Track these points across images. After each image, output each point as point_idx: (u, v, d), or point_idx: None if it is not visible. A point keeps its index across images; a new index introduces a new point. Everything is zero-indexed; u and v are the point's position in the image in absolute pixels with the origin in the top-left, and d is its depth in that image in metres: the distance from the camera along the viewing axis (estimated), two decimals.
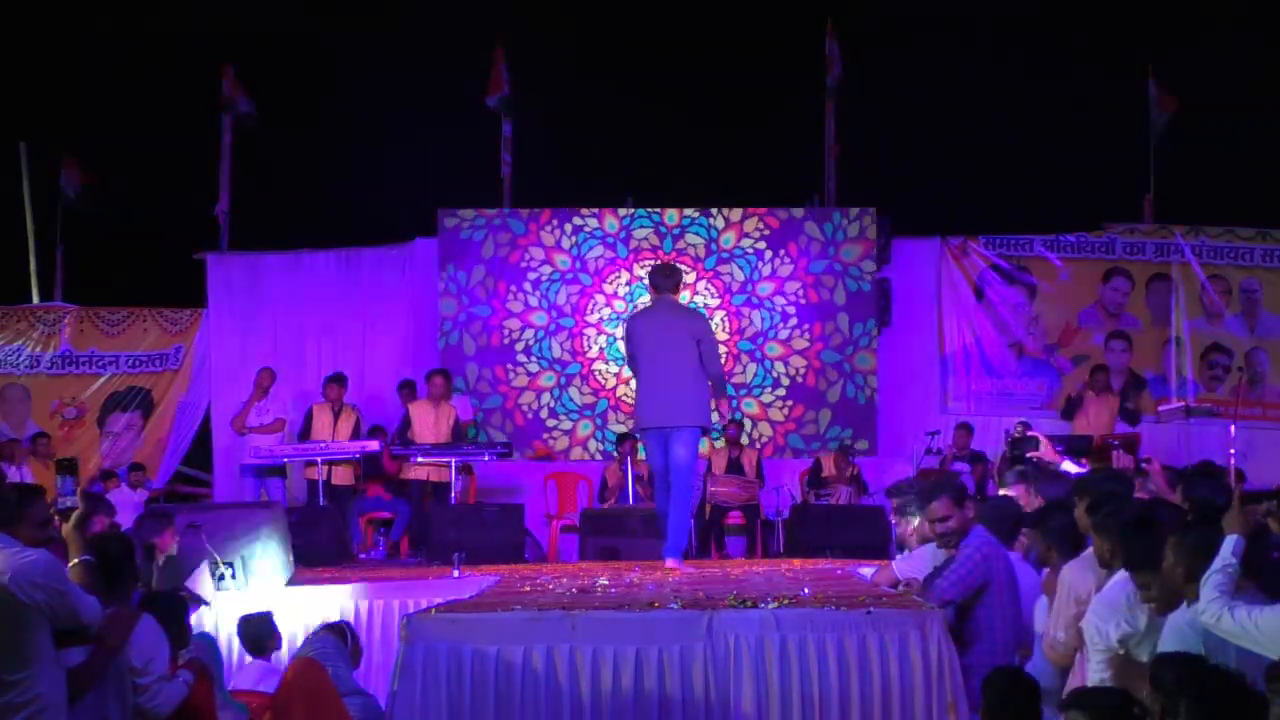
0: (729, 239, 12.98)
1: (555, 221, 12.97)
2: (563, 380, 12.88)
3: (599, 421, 12.83)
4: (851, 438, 12.61)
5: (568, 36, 14.57)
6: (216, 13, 14.16)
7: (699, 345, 7.54)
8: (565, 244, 12.97)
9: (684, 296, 12.20)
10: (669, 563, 7.44)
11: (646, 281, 8.37)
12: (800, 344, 12.86)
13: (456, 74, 13.84)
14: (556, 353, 12.88)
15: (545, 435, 12.80)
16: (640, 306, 11.96)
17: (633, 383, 12.42)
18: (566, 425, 12.84)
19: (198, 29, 14.17)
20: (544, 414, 12.84)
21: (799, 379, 12.84)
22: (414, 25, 14.72)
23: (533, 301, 12.91)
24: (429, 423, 10.80)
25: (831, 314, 12.82)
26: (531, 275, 12.92)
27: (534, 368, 12.87)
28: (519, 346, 12.86)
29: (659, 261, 12.04)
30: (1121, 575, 4.32)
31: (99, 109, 14.42)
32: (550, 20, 14.30)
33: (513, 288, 12.89)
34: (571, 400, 12.87)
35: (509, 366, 12.84)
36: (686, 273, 12.59)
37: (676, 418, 7.53)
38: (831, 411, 12.70)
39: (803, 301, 12.89)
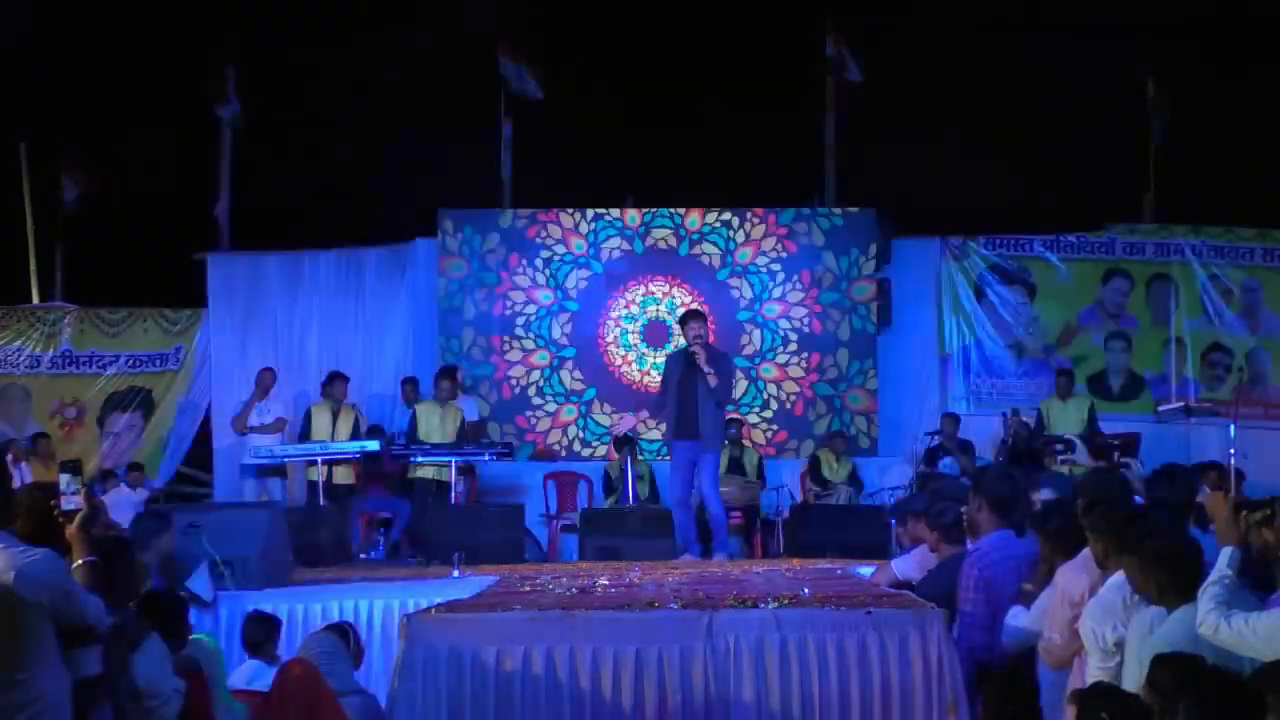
0: (745, 254, 12.95)
1: (577, 207, 13.03)
2: (555, 362, 12.87)
3: (583, 409, 12.83)
4: None
5: (567, 36, 14.56)
6: (216, 12, 14.16)
7: None
8: (583, 229, 12.98)
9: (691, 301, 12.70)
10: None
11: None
12: (796, 371, 12.84)
13: (457, 73, 13.84)
14: (555, 334, 12.89)
15: (528, 413, 12.79)
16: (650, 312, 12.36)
17: (620, 373, 12.77)
18: (551, 408, 12.84)
19: (197, 29, 14.16)
20: (531, 391, 12.83)
21: (788, 405, 12.81)
22: (414, 25, 14.71)
23: (541, 279, 12.91)
24: (435, 423, 10.81)
25: (833, 348, 12.78)
26: (545, 253, 12.92)
27: (530, 344, 12.87)
28: (519, 320, 12.87)
29: (669, 275, 12.93)
30: (1118, 577, 4.31)
31: (99, 109, 14.40)
32: (550, 20, 14.30)
33: (524, 261, 12.89)
34: (561, 384, 12.86)
35: (505, 338, 12.84)
36: (687, 295, 12.91)
37: None
38: (814, 442, 12.58)
39: (806, 330, 12.86)
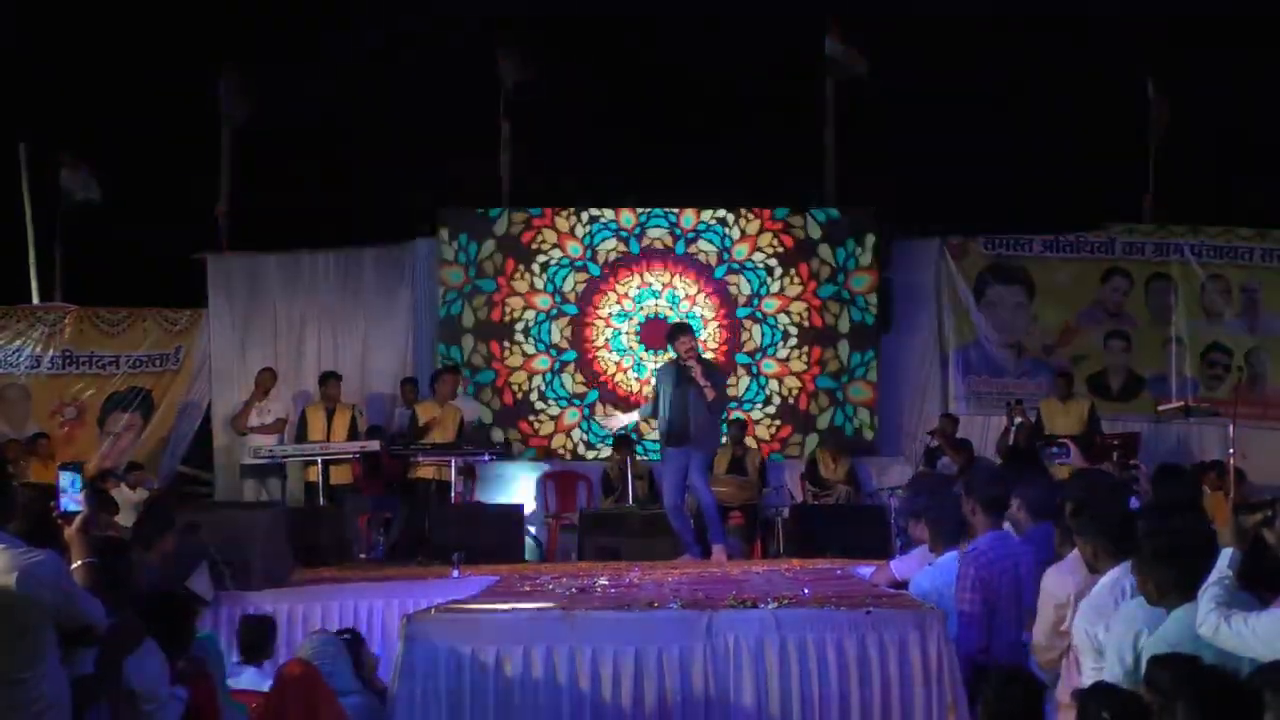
0: (742, 250, 12.95)
1: (572, 208, 13.03)
2: (556, 366, 12.89)
3: (586, 412, 12.84)
4: None
5: (567, 36, 14.56)
6: (216, 12, 14.16)
7: None
8: (579, 232, 12.99)
9: (685, 306, 12.87)
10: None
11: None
12: (797, 366, 12.85)
13: (456, 73, 13.84)
14: (555, 338, 12.89)
15: (531, 418, 12.80)
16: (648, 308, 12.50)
17: (615, 383, 12.82)
18: (554, 411, 12.85)
19: (197, 28, 14.16)
20: (534, 396, 12.85)
21: (790, 400, 12.82)
22: (414, 24, 14.72)
23: (539, 284, 12.91)
24: (434, 423, 10.81)
25: (832, 341, 12.80)
26: (541, 258, 12.93)
27: (530, 349, 12.88)
28: (519, 326, 12.88)
29: (669, 263, 12.96)
30: (1108, 577, 4.31)
31: (99, 110, 14.40)
32: (549, 19, 14.29)
33: (520, 266, 12.89)
34: (563, 387, 12.87)
35: (505, 344, 12.85)
36: (691, 284, 12.95)
37: None
38: (819, 437, 12.58)
39: (806, 324, 12.87)
